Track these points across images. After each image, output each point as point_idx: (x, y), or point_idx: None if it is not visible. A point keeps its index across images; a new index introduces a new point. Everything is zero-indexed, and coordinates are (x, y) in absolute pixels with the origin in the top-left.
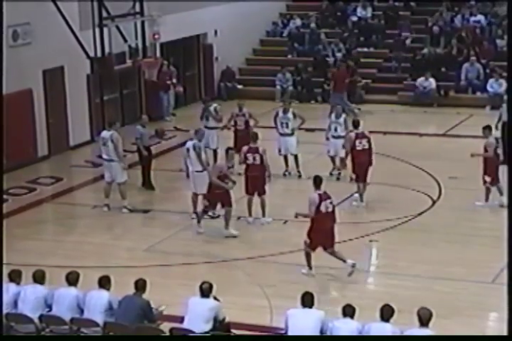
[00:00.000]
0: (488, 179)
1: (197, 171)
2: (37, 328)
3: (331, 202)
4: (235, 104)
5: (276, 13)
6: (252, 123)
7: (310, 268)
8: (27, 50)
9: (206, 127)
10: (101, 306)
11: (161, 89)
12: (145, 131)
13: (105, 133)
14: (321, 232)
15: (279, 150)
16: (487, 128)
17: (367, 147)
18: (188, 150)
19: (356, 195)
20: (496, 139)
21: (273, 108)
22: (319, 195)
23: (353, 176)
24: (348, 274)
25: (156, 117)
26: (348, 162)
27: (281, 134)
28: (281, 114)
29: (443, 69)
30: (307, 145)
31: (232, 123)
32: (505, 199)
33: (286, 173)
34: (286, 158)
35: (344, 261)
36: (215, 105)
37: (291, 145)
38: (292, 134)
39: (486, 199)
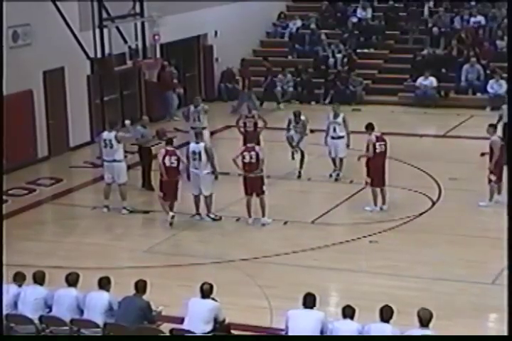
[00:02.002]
0: (493, 178)
1: (208, 173)
2: (37, 329)
3: (176, 159)
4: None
5: (276, 14)
6: (260, 124)
7: (168, 213)
8: (27, 50)
9: (196, 128)
10: (101, 307)
11: (169, 89)
12: (146, 131)
13: (107, 135)
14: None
15: (287, 138)
16: (492, 127)
17: (383, 150)
18: (195, 153)
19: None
20: (501, 138)
21: (272, 109)
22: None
23: (368, 180)
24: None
25: (156, 118)
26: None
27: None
28: (293, 122)
29: (443, 70)
30: (307, 146)
31: (241, 124)
32: (501, 198)
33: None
34: (290, 141)
35: (167, 213)
36: (202, 105)
37: (299, 138)
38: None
39: (490, 199)
